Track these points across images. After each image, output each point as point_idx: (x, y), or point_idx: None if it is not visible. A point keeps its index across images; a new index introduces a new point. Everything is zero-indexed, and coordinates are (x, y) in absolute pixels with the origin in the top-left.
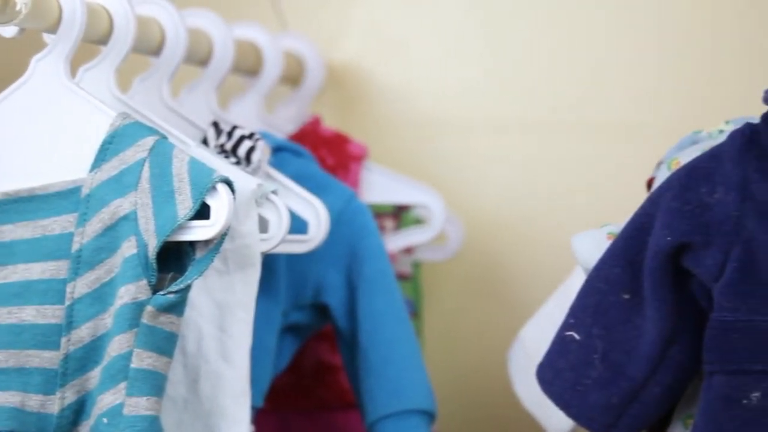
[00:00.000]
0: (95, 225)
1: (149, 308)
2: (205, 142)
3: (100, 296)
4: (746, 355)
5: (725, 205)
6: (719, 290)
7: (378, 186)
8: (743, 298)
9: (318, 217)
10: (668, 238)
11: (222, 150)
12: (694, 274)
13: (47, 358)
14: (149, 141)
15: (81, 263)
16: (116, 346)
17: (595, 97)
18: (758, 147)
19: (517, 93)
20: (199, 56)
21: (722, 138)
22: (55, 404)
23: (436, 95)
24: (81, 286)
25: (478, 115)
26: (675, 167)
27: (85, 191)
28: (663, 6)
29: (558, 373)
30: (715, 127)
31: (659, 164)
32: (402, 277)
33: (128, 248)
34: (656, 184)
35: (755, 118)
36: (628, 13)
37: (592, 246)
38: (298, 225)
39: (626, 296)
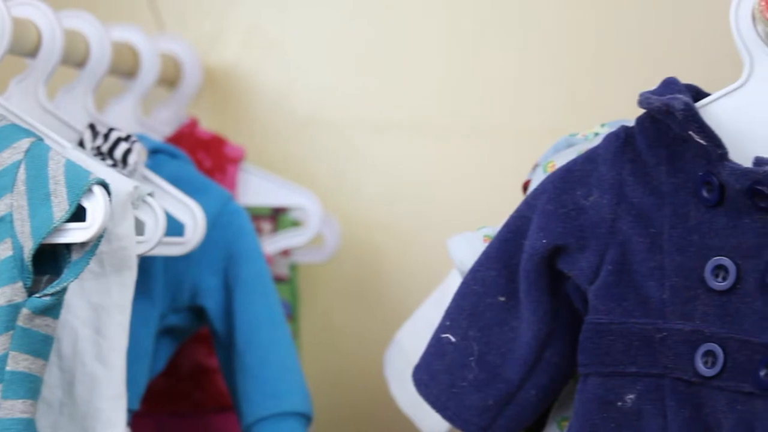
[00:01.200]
0: None
1: (25, 311)
2: (81, 144)
3: None
4: (621, 358)
5: (600, 207)
6: (594, 293)
7: (255, 188)
8: (617, 301)
9: (194, 219)
10: (543, 241)
11: (98, 152)
12: (569, 277)
13: None
14: (25, 143)
15: None
16: None
17: (471, 100)
18: (633, 150)
19: (394, 94)
20: (75, 58)
21: (598, 141)
22: None
23: (313, 97)
24: None
25: (356, 116)
26: (551, 170)
27: None
28: (545, 12)
29: (434, 376)
30: (591, 129)
31: (535, 167)
32: (279, 280)
33: (4, 250)
34: (532, 187)
35: (630, 121)
36: (510, 18)
37: (468, 248)
38: (174, 227)
39: (502, 299)
